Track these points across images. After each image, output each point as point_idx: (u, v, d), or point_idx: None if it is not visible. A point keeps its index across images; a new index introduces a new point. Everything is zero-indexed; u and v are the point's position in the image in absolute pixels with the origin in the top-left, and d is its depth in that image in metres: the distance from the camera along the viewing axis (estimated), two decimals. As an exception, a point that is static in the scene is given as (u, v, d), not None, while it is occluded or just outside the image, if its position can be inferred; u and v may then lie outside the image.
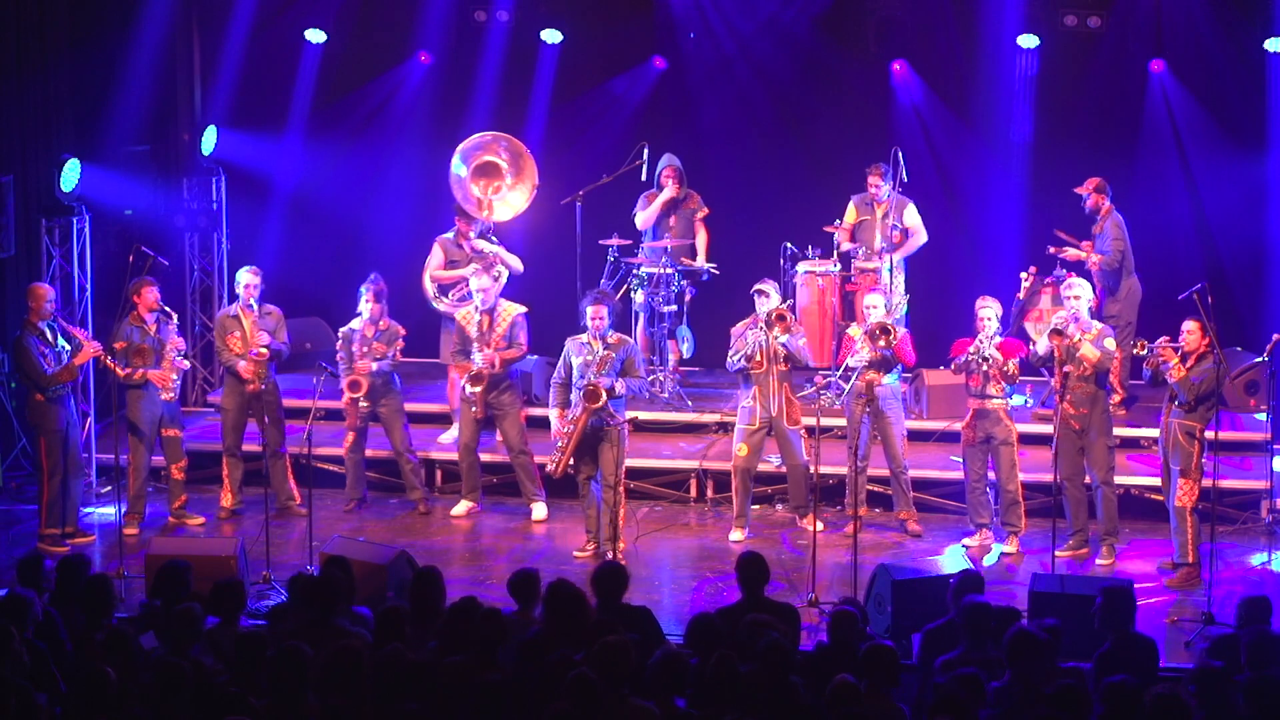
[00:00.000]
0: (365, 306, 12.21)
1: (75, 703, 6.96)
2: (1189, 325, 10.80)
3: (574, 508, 11.88)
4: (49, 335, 11.46)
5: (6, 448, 13.11)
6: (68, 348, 11.49)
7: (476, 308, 12.15)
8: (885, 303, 11.93)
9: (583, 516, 11.61)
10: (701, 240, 13.74)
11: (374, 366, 12.13)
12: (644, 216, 13.65)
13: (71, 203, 12.84)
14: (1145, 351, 10.86)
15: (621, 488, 11.39)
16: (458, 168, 13.31)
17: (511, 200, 13.35)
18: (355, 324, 12.26)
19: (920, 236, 13.44)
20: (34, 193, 13.14)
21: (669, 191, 13.54)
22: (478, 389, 12.02)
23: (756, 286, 11.73)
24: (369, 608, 8.25)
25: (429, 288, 13.08)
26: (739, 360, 11.58)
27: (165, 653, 7.53)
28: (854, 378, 11.73)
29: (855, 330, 11.91)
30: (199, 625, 7.71)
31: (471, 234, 13.11)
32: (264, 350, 12.03)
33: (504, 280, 12.82)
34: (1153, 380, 11.05)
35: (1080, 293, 11.26)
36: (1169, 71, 14.35)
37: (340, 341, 12.28)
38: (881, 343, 11.50)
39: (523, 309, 12.30)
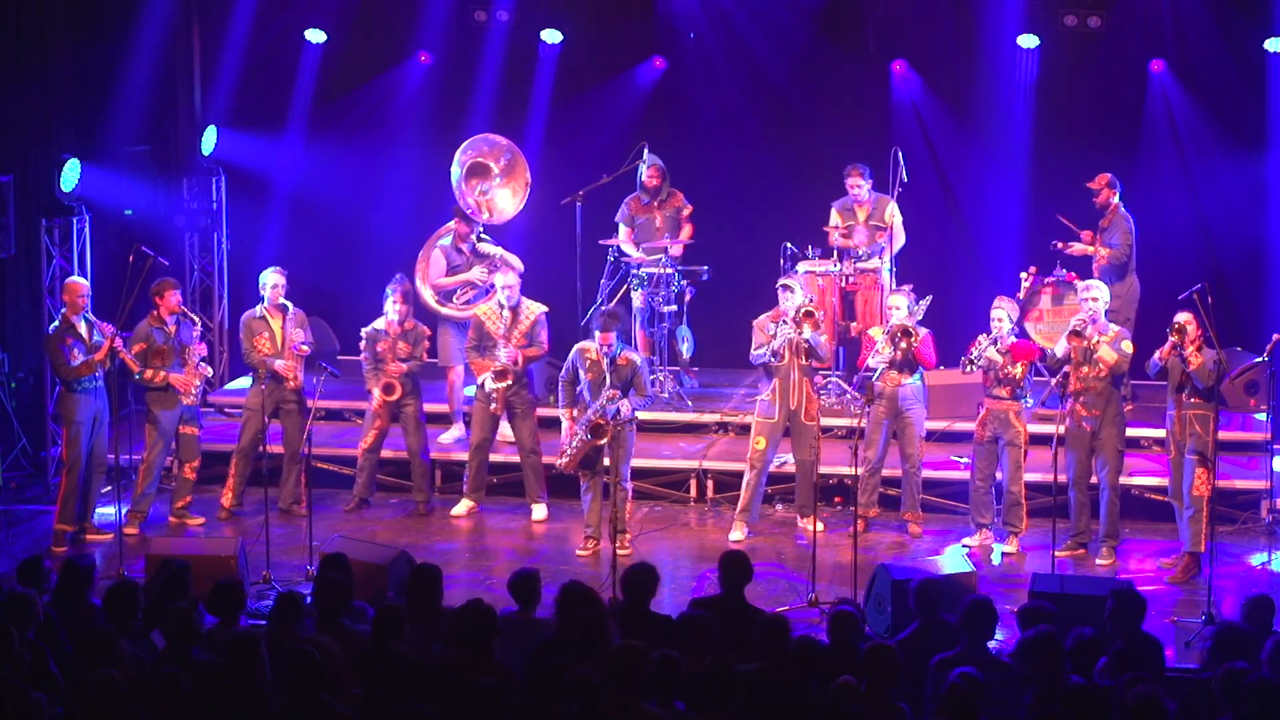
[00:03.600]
0: (392, 307, 12.17)
1: (79, 705, 6.96)
2: (1186, 315, 10.81)
3: (574, 508, 11.88)
4: (83, 329, 11.48)
5: (7, 448, 13.11)
6: (102, 341, 11.53)
7: (501, 304, 12.14)
8: (909, 304, 11.89)
9: (584, 516, 11.61)
10: (684, 235, 13.73)
11: (405, 368, 12.13)
12: (623, 235, 13.70)
13: (71, 203, 12.85)
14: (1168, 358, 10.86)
15: (629, 484, 11.44)
16: (455, 172, 13.34)
17: (503, 201, 13.36)
18: (379, 324, 12.23)
19: (899, 238, 13.42)
20: (34, 193, 13.15)
21: (648, 178, 13.58)
22: (502, 385, 11.99)
23: (782, 281, 11.77)
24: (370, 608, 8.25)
25: (427, 294, 13.07)
26: (766, 355, 11.57)
27: (166, 655, 7.54)
28: (875, 377, 11.72)
29: (877, 331, 11.91)
30: (195, 625, 7.69)
31: (472, 237, 13.12)
32: (305, 346, 12.03)
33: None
34: (1159, 374, 11.04)
35: (1098, 294, 11.27)
36: (1169, 71, 14.35)
37: (364, 341, 12.24)
38: (904, 345, 11.51)
39: (544, 308, 12.28)
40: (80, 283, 11.72)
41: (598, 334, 11.41)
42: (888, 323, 11.84)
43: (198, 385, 11.92)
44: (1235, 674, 6.94)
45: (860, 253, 13.33)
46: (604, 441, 11.25)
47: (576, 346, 11.60)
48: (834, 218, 13.56)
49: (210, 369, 12.21)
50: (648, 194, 13.69)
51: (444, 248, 13.15)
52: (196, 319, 12.20)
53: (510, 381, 12.01)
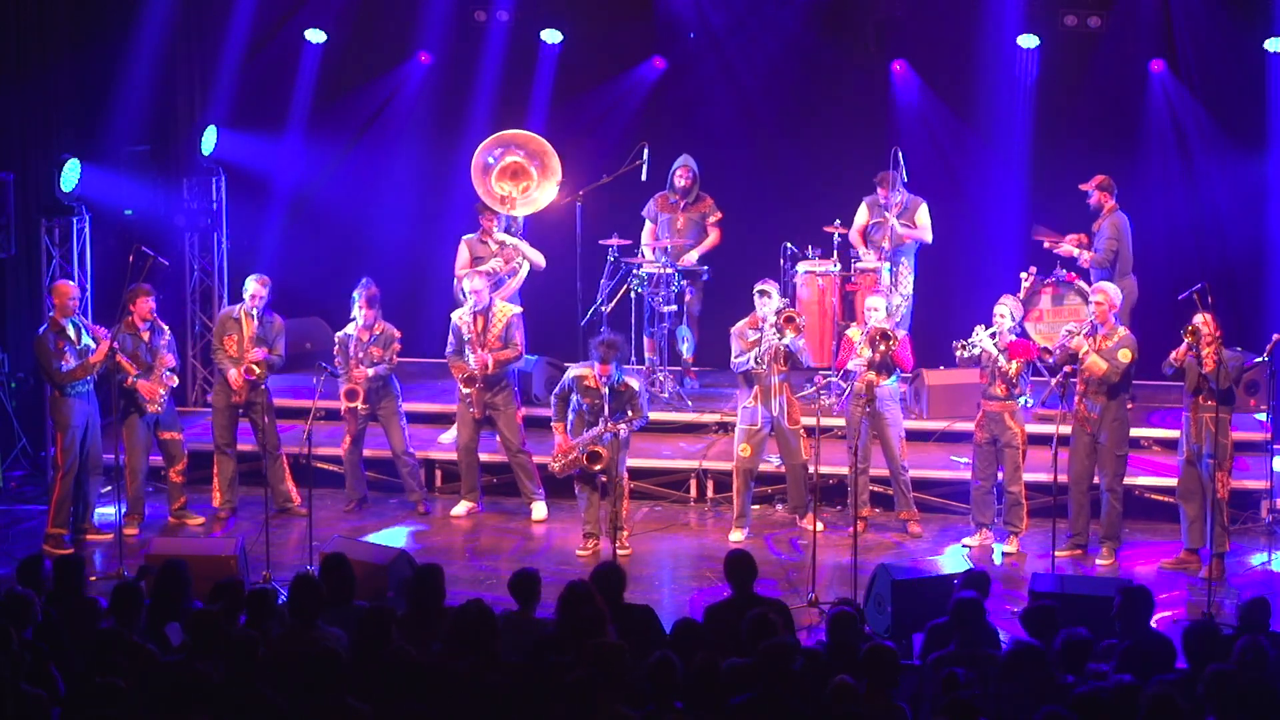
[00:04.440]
0: (358, 312, 12.20)
1: (80, 710, 6.95)
2: (1202, 317, 10.80)
3: (574, 507, 11.88)
4: (72, 332, 11.45)
5: (6, 448, 13.11)
6: (92, 345, 11.49)
7: (471, 308, 12.15)
8: (886, 305, 11.92)
9: (581, 515, 11.62)
10: (708, 241, 13.74)
11: (370, 373, 12.12)
12: (647, 231, 13.76)
13: (71, 203, 12.85)
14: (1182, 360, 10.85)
15: (626, 484, 11.43)
16: (486, 162, 13.23)
17: (539, 196, 13.31)
18: (350, 329, 12.24)
19: (924, 235, 13.45)
20: (34, 193, 13.14)
21: (680, 180, 13.59)
22: (470, 391, 12.02)
23: (759, 286, 11.70)
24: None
25: (459, 287, 13.08)
26: (749, 361, 11.56)
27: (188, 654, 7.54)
28: (853, 379, 11.74)
29: (855, 333, 11.91)
30: (221, 629, 7.67)
31: (495, 229, 13.10)
32: (255, 369, 11.99)
33: (524, 274, 12.85)
34: (1175, 375, 11.03)
35: (1102, 298, 11.25)
36: (1169, 71, 14.36)
37: (336, 346, 12.27)
38: (882, 348, 11.50)
39: (518, 310, 12.30)
40: (70, 285, 11.67)
41: (596, 365, 11.29)
42: (865, 324, 11.83)
43: (163, 395, 11.87)
44: (1221, 676, 6.93)
45: (886, 246, 13.29)
46: (599, 468, 11.23)
47: (573, 373, 11.50)
48: (863, 212, 13.55)
49: (176, 379, 12.12)
50: (676, 193, 13.70)
51: (469, 240, 13.14)
52: (166, 327, 12.10)
53: (479, 386, 12.00)
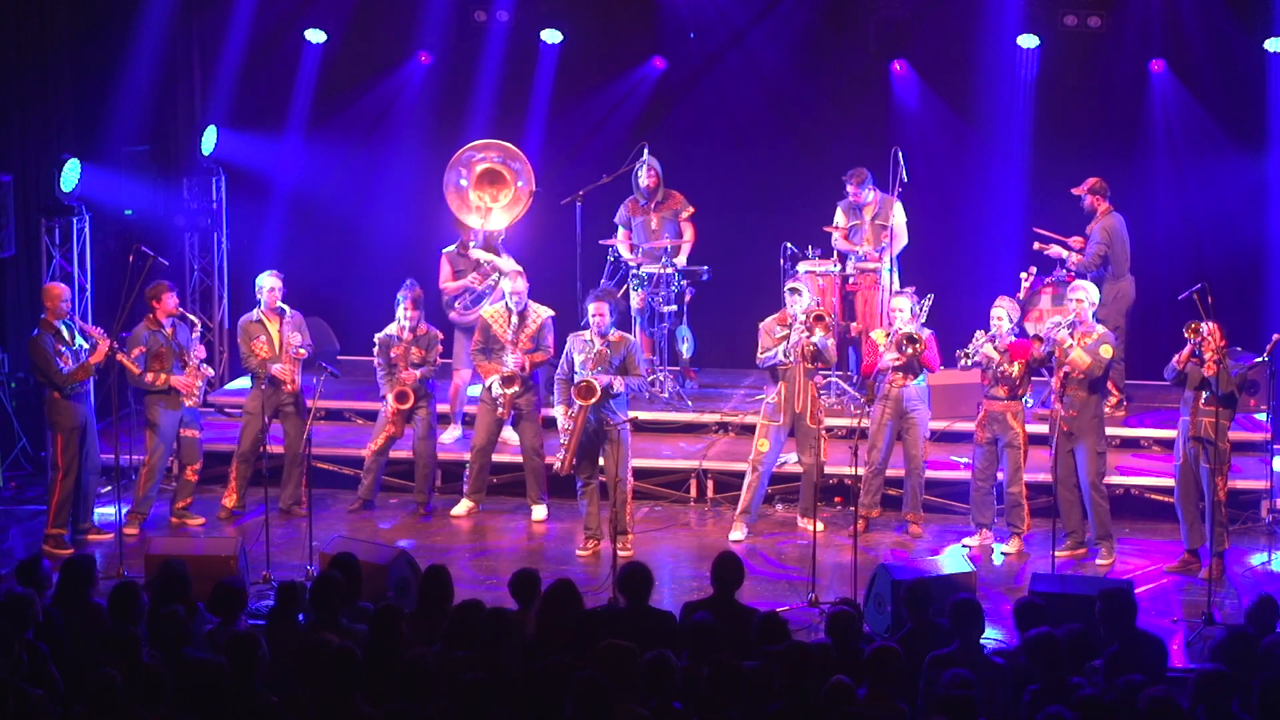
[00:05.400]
0: (403, 313, 12.16)
1: (78, 706, 6.95)
2: (1211, 325, 10.80)
3: (574, 507, 11.88)
4: (66, 334, 11.43)
5: (6, 448, 13.11)
6: (86, 346, 11.47)
7: (509, 308, 12.13)
8: (912, 306, 11.88)
9: (583, 516, 11.61)
10: (687, 239, 13.73)
11: (418, 374, 12.12)
12: (620, 238, 13.73)
13: (71, 203, 12.85)
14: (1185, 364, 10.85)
15: (628, 485, 11.43)
16: (457, 179, 13.26)
17: (511, 208, 13.32)
18: (392, 329, 12.21)
19: (901, 239, 13.44)
20: (34, 193, 13.15)
21: (645, 180, 13.57)
22: (509, 390, 11.99)
23: (790, 284, 11.76)
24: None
25: (447, 300, 13.10)
26: (777, 355, 11.57)
27: (155, 655, 7.54)
28: (883, 381, 11.70)
29: (879, 335, 11.92)
30: (184, 628, 7.68)
31: (471, 242, 13.10)
32: (302, 350, 12.04)
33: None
34: (1176, 379, 11.01)
35: (1084, 295, 11.27)
36: (1169, 71, 14.35)
37: (377, 348, 12.21)
38: (910, 351, 11.50)
39: (551, 312, 12.26)
40: (61, 287, 11.62)
41: (591, 305, 11.38)
42: (891, 325, 11.83)
43: (200, 386, 11.91)
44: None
45: (860, 253, 13.34)
46: (594, 401, 11.21)
47: (571, 335, 11.59)
48: (839, 216, 13.57)
49: (211, 369, 12.21)
50: (644, 196, 13.69)
51: (449, 254, 13.14)
52: (195, 320, 12.18)
53: (518, 387, 12.01)
